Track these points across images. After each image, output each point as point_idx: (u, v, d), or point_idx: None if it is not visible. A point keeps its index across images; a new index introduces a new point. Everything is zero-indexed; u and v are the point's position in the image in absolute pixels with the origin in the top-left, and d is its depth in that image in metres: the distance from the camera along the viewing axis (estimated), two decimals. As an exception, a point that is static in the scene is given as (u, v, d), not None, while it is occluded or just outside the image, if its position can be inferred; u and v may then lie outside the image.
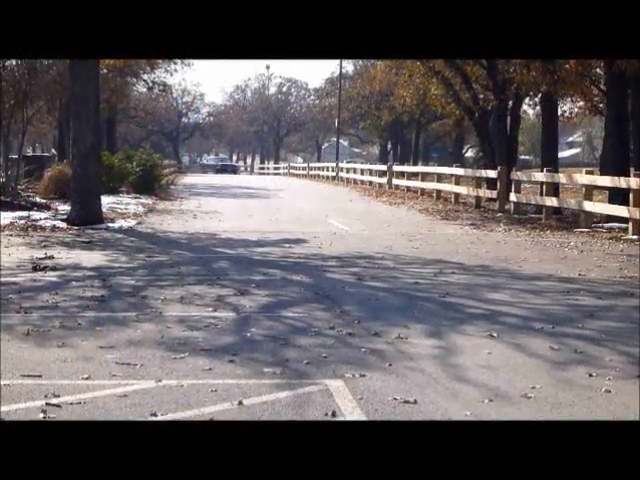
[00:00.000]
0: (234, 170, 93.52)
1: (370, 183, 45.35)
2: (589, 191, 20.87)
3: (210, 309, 9.29)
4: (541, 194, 24.58)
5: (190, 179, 55.47)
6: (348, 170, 54.01)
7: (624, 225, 19.28)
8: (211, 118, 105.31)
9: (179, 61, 46.52)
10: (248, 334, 8.09)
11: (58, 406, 5.78)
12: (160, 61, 42.62)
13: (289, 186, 46.56)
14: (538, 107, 32.12)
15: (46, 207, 23.07)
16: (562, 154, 68.09)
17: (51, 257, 13.38)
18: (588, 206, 20.40)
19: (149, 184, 32.80)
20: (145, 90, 58.63)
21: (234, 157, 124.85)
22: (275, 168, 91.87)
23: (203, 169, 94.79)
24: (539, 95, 28.57)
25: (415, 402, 5.96)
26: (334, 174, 56.47)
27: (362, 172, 49.28)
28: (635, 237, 17.70)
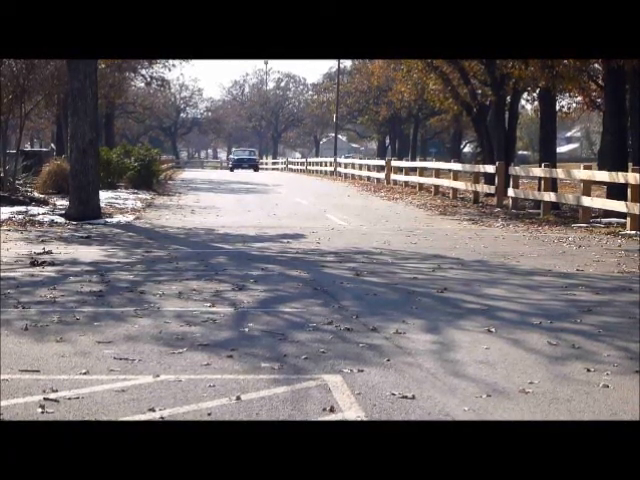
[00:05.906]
0: (253, 165, 74.69)
1: (368, 178, 45.33)
2: (587, 186, 20.85)
3: (208, 304, 9.29)
4: (539, 189, 24.59)
5: (188, 174, 55.43)
6: (346, 165, 53.96)
7: (622, 220, 19.29)
8: (209, 113, 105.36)
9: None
10: (246, 329, 8.09)
11: (56, 401, 5.78)
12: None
13: (287, 181, 46.54)
14: (536, 102, 32.01)
15: (44, 202, 23.07)
16: (560, 149, 68.13)
17: (49, 252, 13.37)
18: (586, 201, 20.39)
19: (147, 179, 32.80)
20: (143, 85, 58.74)
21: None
22: (273, 163, 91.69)
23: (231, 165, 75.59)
24: (537, 90, 28.51)
25: (413, 397, 5.96)
26: (332, 169, 56.46)
27: (360, 167, 49.23)
28: (633, 232, 17.71)
